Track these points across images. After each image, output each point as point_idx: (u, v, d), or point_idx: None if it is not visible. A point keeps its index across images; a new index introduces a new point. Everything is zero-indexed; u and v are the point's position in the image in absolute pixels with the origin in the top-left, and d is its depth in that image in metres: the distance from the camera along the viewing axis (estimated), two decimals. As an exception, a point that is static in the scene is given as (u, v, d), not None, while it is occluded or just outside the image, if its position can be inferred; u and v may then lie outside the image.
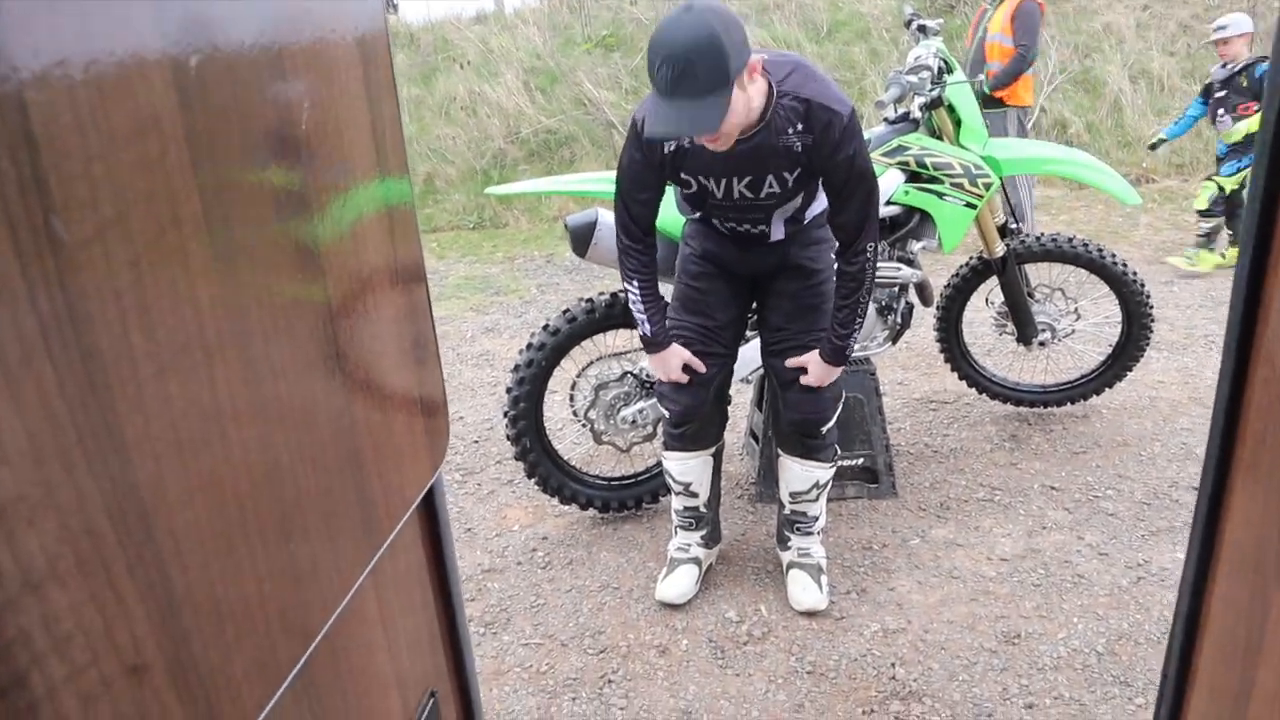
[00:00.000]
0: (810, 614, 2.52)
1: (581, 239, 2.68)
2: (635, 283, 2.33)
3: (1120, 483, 3.17)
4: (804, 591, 2.53)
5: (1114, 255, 3.30)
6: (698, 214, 2.39)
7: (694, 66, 1.82)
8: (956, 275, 3.44)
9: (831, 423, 2.44)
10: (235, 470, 0.46)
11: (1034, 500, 3.07)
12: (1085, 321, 3.56)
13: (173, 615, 0.40)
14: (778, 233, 2.35)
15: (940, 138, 3.05)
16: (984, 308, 3.62)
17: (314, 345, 0.53)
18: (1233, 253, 5.79)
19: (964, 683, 2.26)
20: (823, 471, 2.49)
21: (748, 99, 1.96)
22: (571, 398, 2.92)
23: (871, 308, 2.95)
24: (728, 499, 3.13)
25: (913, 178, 2.94)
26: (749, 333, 2.71)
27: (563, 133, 8.16)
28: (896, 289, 3.00)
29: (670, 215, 2.70)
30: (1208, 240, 5.68)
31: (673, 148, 2.15)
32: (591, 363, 2.89)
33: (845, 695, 2.24)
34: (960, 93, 3.03)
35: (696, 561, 2.63)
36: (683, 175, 2.20)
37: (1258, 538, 0.68)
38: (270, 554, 0.49)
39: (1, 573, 0.31)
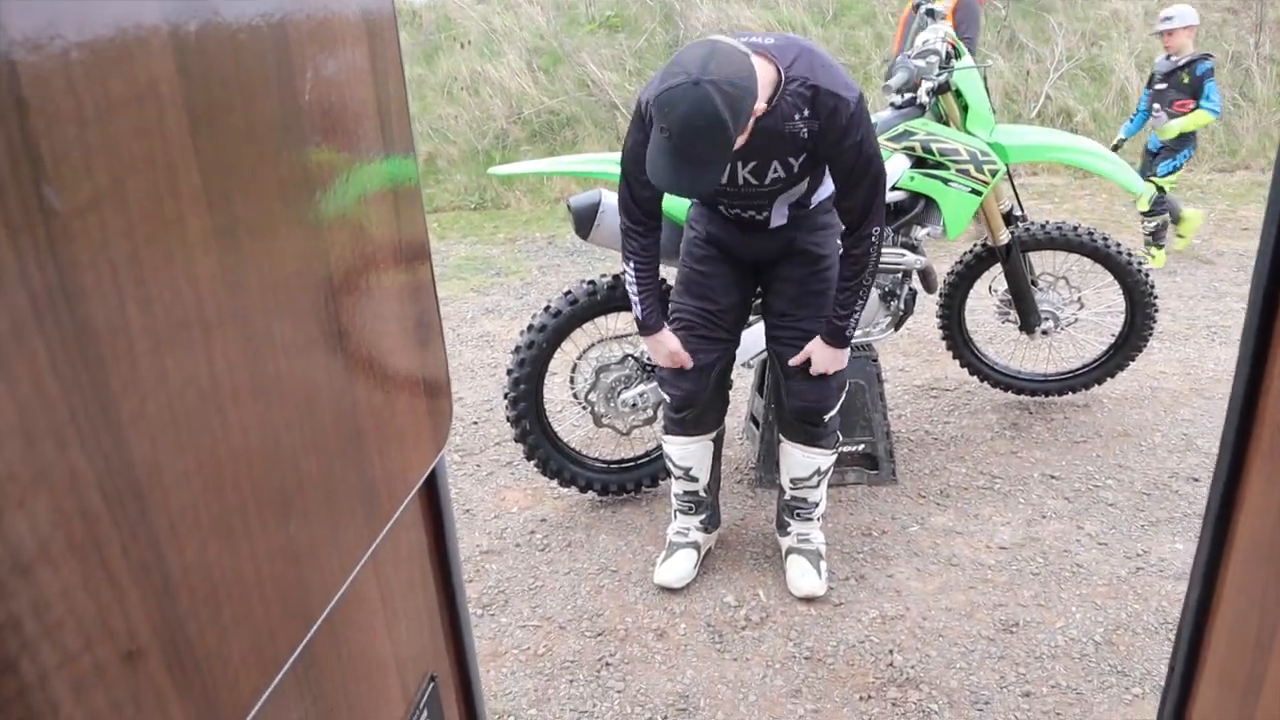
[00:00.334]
0: (809, 599, 2.51)
1: (584, 220, 2.66)
2: (633, 264, 2.32)
3: (1120, 473, 3.16)
4: (803, 577, 2.52)
5: (1119, 244, 3.28)
6: (694, 202, 2.39)
7: (696, 146, 1.84)
8: (960, 262, 3.42)
9: (834, 410, 2.43)
10: (234, 450, 0.45)
11: (1034, 489, 3.07)
12: (1088, 310, 3.55)
13: (168, 599, 0.39)
14: (779, 218, 2.33)
15: (947, 123, 3.03)
16: (987, 295, 3.61)
17: (315, 323, 0.52)
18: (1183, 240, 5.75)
19: (961, 670, 2.26)
20: (824, 458, 2.48)
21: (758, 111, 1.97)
22: (572, 380, 2.91)
23: (875, 293, 2.93)
24: (727, 483, 3.13)
25: (918, 163, 2.92)
26: (751, 317, 2.70)
27: (565, 114, 8.12)
28: (900, 275, 2.98)
29: (675, 199, 2.68)
30: (1155, 239, 5.64)
31: None
32: (592, 345, 2.88)
33: (843, 681, 2.24)
34: (968, 78, 3.00)
35: (695, 546, 2.62)
36: None
37: (1273, 527, 0.67)
38: (269, 536, 0.47)
39: None
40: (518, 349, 2.78)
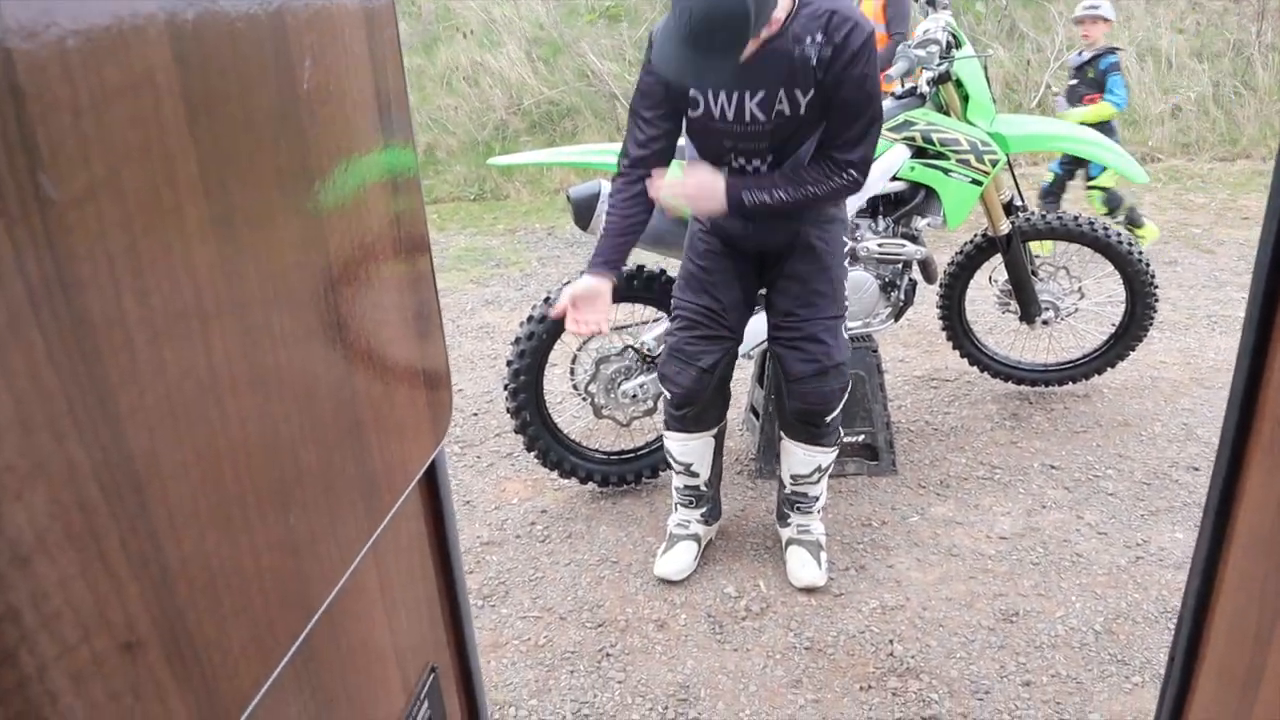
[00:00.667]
0: (809, 590, 2.52)
1: (584, 211, 2.66)
2: (608, 207, 2.26)
3: (1120, 462, 3.16)
4: (803, 568, 2.53)
5: (1119, 234, 3.28)
6: (701, 153, 2.26)
7: (714, 35, 1.82)
8: (960, 252, 3.42)
9: (836, 412, 2.42)
10: (232, 441, 0.45)
11: (1034, 479, 3.07)
12: (1089, 300, 3.55)
13: (167, 590, 0.39)
14: None
15: (947, 113, 3.02)
16: (987, 286, 3.60)
17: (314, 313, 0.52)
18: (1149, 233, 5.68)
19: (961, 660, 2.27)
20: (825, 456, 2.48)
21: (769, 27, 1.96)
22: (572, 371, 2.91)
23: (875, 284, 2.93)
24: (728, 474, 3.13)
25: (919, 153, 2.91)
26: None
27: (565, 104, 8.09)
28: (900, 265, 2.97)
29: None
30: (1132, 222, 5.62)
31: None
32: (592, 336, 2.87)
33: (843, 671, 2.24)
34: (968, 68, 2.99)
35: (696, 538, 2.63)
36: (691, 92, 2.13)
37: (1273, 520, 0.67)
38: (269, 527, 0.47)
39: None
40: (517, 340, 2.78)
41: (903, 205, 2.98)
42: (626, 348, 2.83)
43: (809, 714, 2.12)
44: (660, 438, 2.89)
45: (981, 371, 3.61)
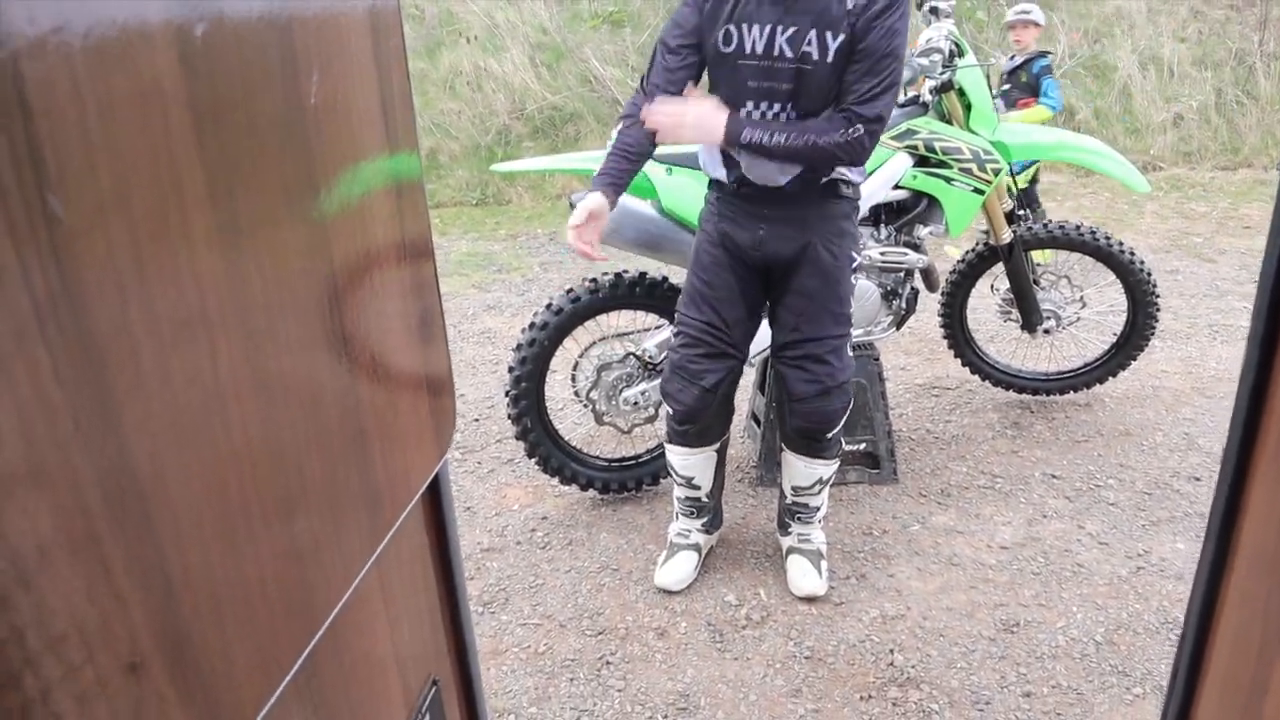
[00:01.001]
0: (809, 599, 2.51)
1: (586, 218, 2.65)
2: (622, 132, 2.21)
3: (1122, 472, 3.16)
4: (803, 577, 2.52)
5: (1120, 243, 3.28)
6: (722, 100, 2.17)
7: None
8: (962, 261, 3.42)
9: (839, 427, 2.41)
10: (237, 452, 0.44)
11: (1035, 488, 3.07)
12: (1090, 309, 3.55)
13: (172, 609, 0.38)
14: (790, 169, 2.19)
15: (950, 122, 3.02)
16: (989, 294, 3.60)
17: (319, 323, 0.52)
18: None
19: (962, 670, 2.26)
20: (826, 468, 2.47)
21: None
22: (574, 378, 2.91)
23: (876, 292, 2.93)
24: (728, 482, 3.12)
25: (921, 161, 2.91)
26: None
27: (568, 110, 8.11)
28: (902, 274, 2.97)
29: (688, 200, 2.67)
30: (1030, 205, 5.62)
31: None
32: (594, 343, 2.87)
33: (843, 681, 2.23)
34: (971, 76, 2.99)
35: (696, 548, 2.62)
36: (726, 27, 2.10)
37: (1278, 533, 0.67)
38: (274, 542, 0.47)
39: None
40: (519, 347, 2.77)
41: (905, 214, 2.98)
42: (628, 355, 2.83)
43: (809, 723, 2.12)
44: (661, 445, 2.88)
45: (983, 380, 3.61)
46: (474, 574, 2.70)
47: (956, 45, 3.01)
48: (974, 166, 2.91)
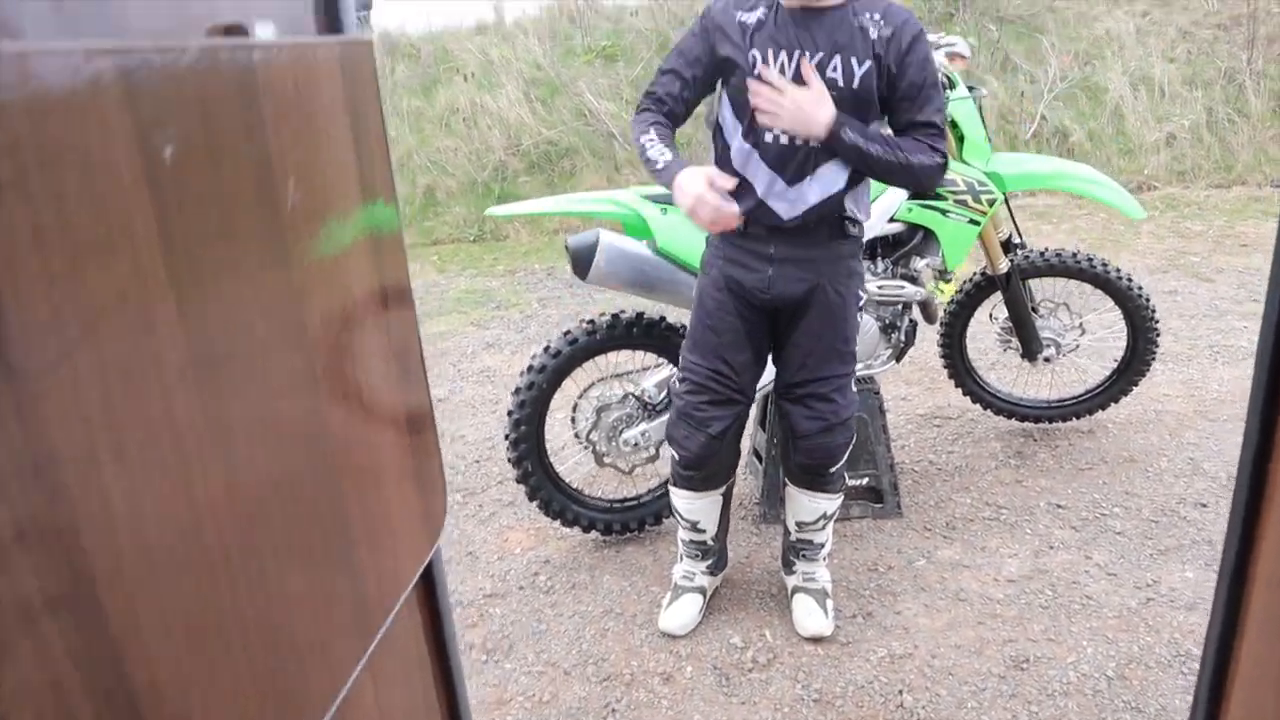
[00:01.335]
0: (816, 639, 2.48)
1: (583, 260, 2.65)
2: (650, 130, 2.15)
3: (1127, 500, 3.13)
4: (809, 617, 2.50)
5: (1118, 269, 3.27)
6: (743, 126, 2.13)
7: None
8: (960, 291, 3.41)
9: (842, 462, 2.39)
10: (212, 563, 0.43)
11: (1040, 519, 3.04)
12: (1090, 336, 3.54)
13: None
14: (810, 195, 2.14)
15: (943, 154, 3.02)
16: (988, 323, 3.59)
17: (294, 411, 0.50)
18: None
19: (973, 710, 2.23)
20: (830, 503, 2.45)
21: None
22: (573, 420, 2.89)
23: (875, 325, 2.92)
24: (732, 519, 3.10)
25: (916, 194, 2.91)
26: None
27: (564, 144, 8.14)
28: (900, 307, 2.97)
29: (683, 240, 2.67)
30: None
31: (745, 19, 2.10)
32: (593, 384, 2.86)
33: (852, 724, 2.20)
34: (963, 109, 3.00)
35: (701, 591, 2.60)
36: (751, 51, 2.07)
37: None
38: (253, 662, 0.46)
39: None
40: (517, 390, 2.76)
41: (901, 246, 2.98)
42: (627, 395, 2.82)
43: (819, 770, 2.09)
44: (664, 484, 2.86)
45: (984, 409, 3.60)
46: (476, 621, 2.67)
47: (948, 78, 3.02)
48: (969, 198, 2.91)
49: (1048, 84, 8.43)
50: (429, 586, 0.74)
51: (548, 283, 6.26)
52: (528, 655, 2.51)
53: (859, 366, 2.93)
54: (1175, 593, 2.63)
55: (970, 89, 3.03)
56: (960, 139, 3.02)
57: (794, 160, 2.12)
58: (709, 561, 2.60)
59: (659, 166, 2.12)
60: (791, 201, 2.16)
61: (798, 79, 2.05)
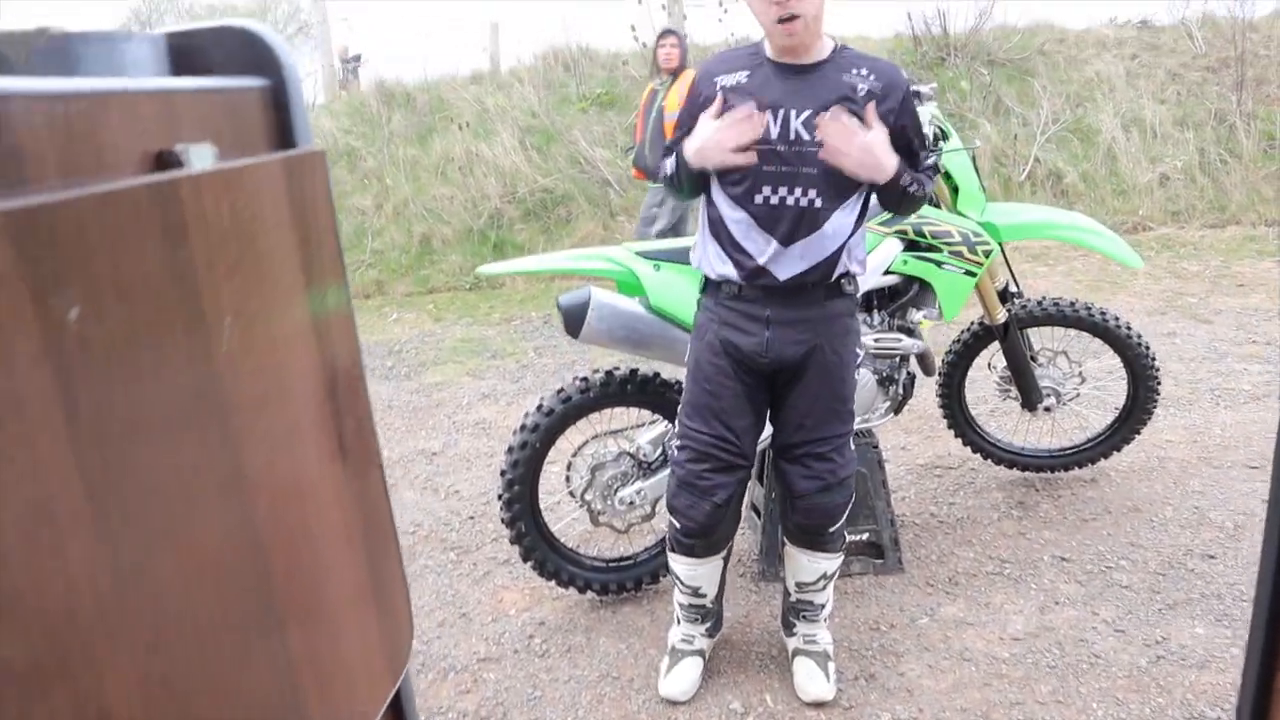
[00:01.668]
0: (818, 704, 2.42)
1: (574, 319, 2.62)
2: (665, 162, 2.21)
3: (1133, 551, 3.08)
4: (810, 680, 2.43)
5: (1116, 318, 3.25)
6: (735, 190, 2.10)
7: None
8: (958, 341, 3.39)
9: (841, 521, 2.34)
10: None
11: (1045, 573, 2.98)
12: (1090, 385, 3.50)
13: None
14: (809, 256, 2.11)
15: (937, 205, 3.01)
16: (987, 371, 3.56)
17: (231, 576, 0.46)
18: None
19: (981, 780, 2.16)
20: (830, 562, 2.40)
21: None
22: (567, 478, 2.85)
23: (872, 378, 2.88)
24: (730, 576, 3.04)
25: (910, 246, 2.89)
26: None
27: (559, 191, 8.17)
28: (897, 359, 2.93)
29: (677, 297, 2.64)
30: None
31: (731, 81, 2.10)
32: (587, 441, 2.82)
33: (857, 796, 2.13)
34: (956, 160, 2.99)
35: (701, 654, 2.53)
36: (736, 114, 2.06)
37: None
38: None
39: None
40: (510, 449, 2.72)
41: (897, 299, 2.96)
42: (622, 453, 2.77)
43: (823, 846, 2.02)
44: (660, 541, 2.81)
45: (985, 459, 3.55)
46: (470, 687, 2.61)
47: (941, 129, 3.02)
48: (964, 249, 2.89)
49: (1040, 126, 8.49)
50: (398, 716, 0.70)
51: (544, 331, 6.24)
52: (522, 724, 2.44)
53: (857, 421, 2.89)
54: (1186, 650, 2.57)
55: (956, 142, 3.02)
56: (954, 190, 3.01)
57: (786, 220, 2.10)
58: (708, 624, 2.54)
59: (670, 166, 2.17)
60: (786, 262, 2.13)
61: (785, 133, 2.05)
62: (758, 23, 2.06)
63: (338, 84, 10.64)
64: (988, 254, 2.92)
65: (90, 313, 0.35)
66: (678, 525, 2.35)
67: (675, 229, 5.86)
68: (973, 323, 3.36)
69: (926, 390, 4.14)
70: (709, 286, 2.28)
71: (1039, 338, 3.43)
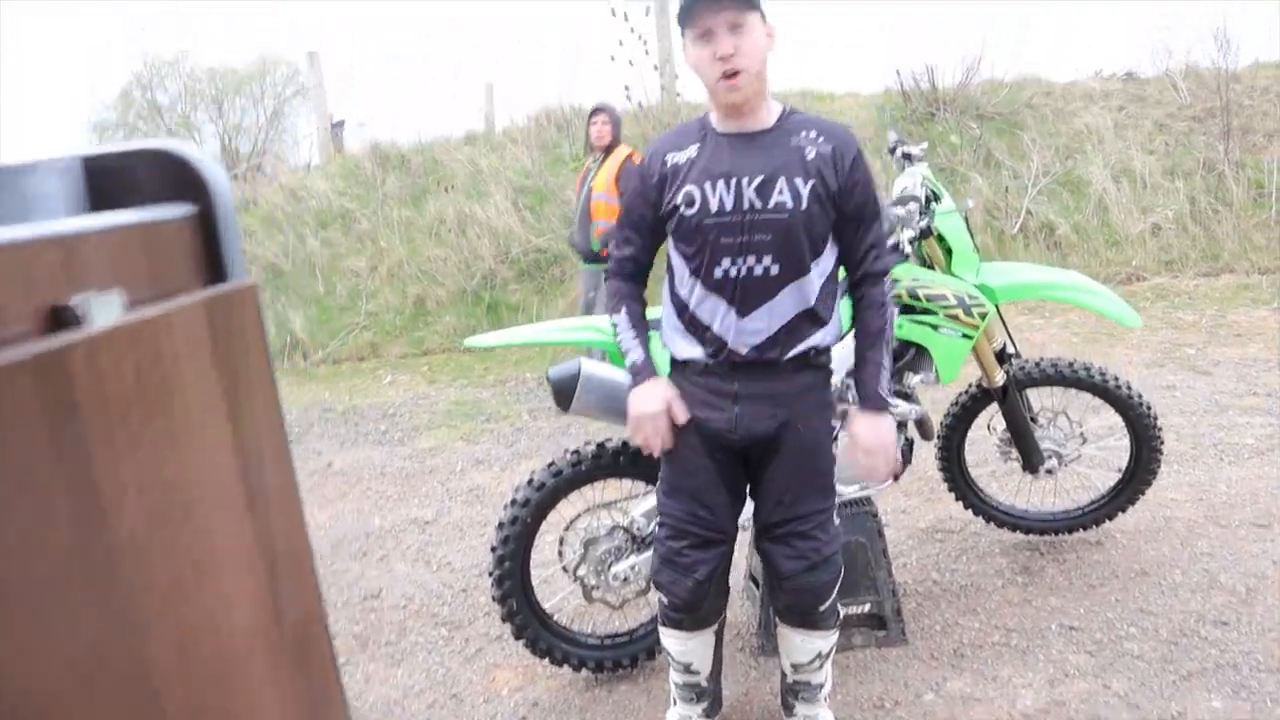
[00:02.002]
0: (822, 791, 2.32)
1: (564, 392, 2.56)
2: (623, 310, 2.22)
3: (1143, 619, 2.99)
4: (814, 765, 2.33)
5: (1116, 378, 3.20)
6: (692, 265, 2.08)
7: None
8: (956, 404, 3.33)
9: (831, 599, 2.26)
10: None
11: (1053, 643, 2.89)
12: (1091, 445, 3.44)
13: None
14: (773, 320, 2.06)
15: (932, 267, 2.97)
16: (987, 432, 3.50)
17: None
18: None
19: None
20: (825, 640, 2.31)
21: (765, 49, 1.99)
22: (560, 553, 2.77)
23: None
24: (728, 650, 2.95)
25: (906, 309, 2.85)
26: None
27: (552, 251, 8.17)
28: (895, 425, 2.87)
29: (667, 368, 2.59)
30: None
31: (677, 159, 2.07)
32: (579, 515, 2.75)
33: None
34: (949, 222, 2.96)
35: (698, 736, 2.44)
36: (686, 189, 2.04)
37: None
38: None
39: None
40: (500, 525, 2.65)
41: (894, 363, 2.90)
42: (615, 527, 2.70)
43: None
44: (655, 618, 2.72)
45: (987, 522, 3.47)
46: (460, 776, 2.50)
47: (933, 191, 2.99)
48: (960, 312, 2.85)
49: (1031, 179, 8.53)
50: None
51: (539, 393, 6.18)
52: (514, 817, 2.34)
53: (854, 489, 2.82)
54: (1202, 725, 2.48)
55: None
56: (948, 252, 2.97)
57: (745, 291, 2.06)
58: (704, 704, 2.45)
59: (630, 361, 2.21)
60: (747, 333, 2.08)
61: (739, 202, 2.01)
62: (702, 84, 2.04)
63: (333, 146, 10.71)
64: (984, 316, 2.87)
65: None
66: (664, 601, 2.29)
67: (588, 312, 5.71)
68: (971, 384, 3.31)
69: (926, 450, 4.08)
70: (675, 366, 2.23)
71: (1038, 397, 3.38)
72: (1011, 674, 2.75)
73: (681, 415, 2.13)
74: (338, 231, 8.89)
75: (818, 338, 2.13)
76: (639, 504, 2.74)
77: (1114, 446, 3.55)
